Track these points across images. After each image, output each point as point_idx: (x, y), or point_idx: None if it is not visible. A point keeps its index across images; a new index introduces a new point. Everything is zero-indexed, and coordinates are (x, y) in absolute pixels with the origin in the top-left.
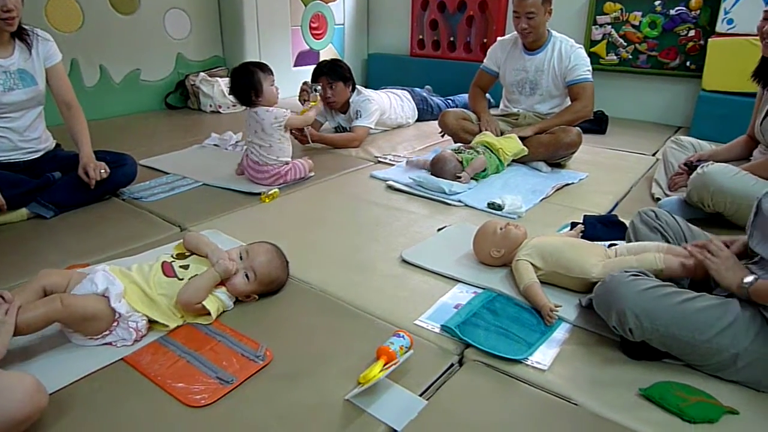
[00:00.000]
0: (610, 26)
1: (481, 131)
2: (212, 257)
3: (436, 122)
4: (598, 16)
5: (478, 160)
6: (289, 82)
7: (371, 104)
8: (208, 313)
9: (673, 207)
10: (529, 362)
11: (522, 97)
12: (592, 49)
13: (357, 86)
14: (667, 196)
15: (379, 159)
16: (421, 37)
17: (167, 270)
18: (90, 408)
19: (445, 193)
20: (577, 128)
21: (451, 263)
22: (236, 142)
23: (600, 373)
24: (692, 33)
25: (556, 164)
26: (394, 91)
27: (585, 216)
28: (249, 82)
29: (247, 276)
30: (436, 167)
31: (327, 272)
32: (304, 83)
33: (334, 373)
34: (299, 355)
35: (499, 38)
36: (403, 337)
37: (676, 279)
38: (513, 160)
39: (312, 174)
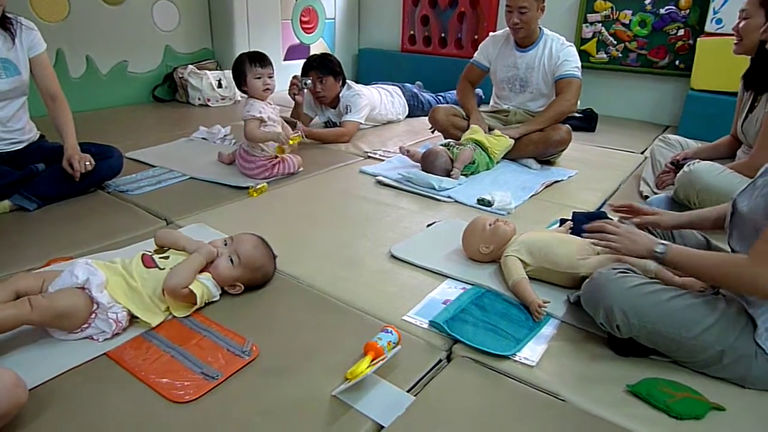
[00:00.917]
0: (600, 24)
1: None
2: (190, 247)
3: (427, 118)
4: (588, 14)
5: (464, 152)
6: (279, 76)
7: (361, 99)
8: (195, 303)
9: (660, 205)
10: (517, 358)
11: (512, 94)
12: (582, 47)
13: (347, 81)
14: (655, 194)
15: (369, 154)
16: (412, 32)
17: (147, 261)
18: (71, 404)
19: (434, 188)
20: (567, 126)
21: (440, 259)
22: (224, 135)
23: (588, 370)
24: (681, 32)
25: (546, 161)
26: (384, 86)
27: (574, 213)
28: (236, 69)
29: (231, 260)
30: (427, 162)
31: (315, 267)
32: (294, 77)
33: (321, 368)
34: (286, 351)
35: (491, 33)
36: (391, 332)
37: None
38: (502, 157)
39: (301, 169)
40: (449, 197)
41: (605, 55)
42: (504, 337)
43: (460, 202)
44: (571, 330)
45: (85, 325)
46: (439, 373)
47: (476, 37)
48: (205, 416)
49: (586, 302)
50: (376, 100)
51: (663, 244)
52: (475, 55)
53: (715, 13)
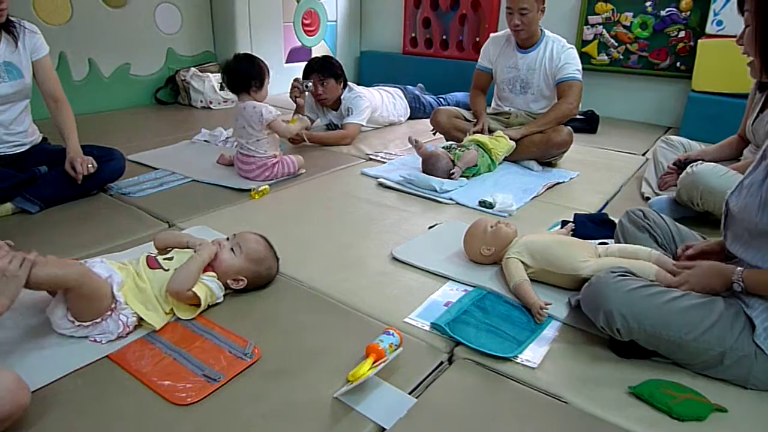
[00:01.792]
0: (601, 26)
1: (474, 128)
2: (193, 243)
3: (428, 120)
4: (589, 17)
5: (469, 153)
6: (280, 78)
7: (363, 101)
8: (198, 304)
9: (662, 206)
10: (518, 360)
11: (513, 96)
12: (583, 49)
13: (348, 83)
14: (657, 195)
15: (371, 156)
16: (413, 35)
17: (151, 263)
18: (74, 406)
19: (436, 191)
20: (569, 128)
21: (442, 261)
22: (227, 138)
23: (589, 371)
24: (682, 34)
25: (548, 163)
26: (386, 88)
27: (575, 214)
28: (255, 73)
29: (233, 250)
30: (428, 164)
31: (317, 269)
32: (296, 80)
33: (323, 370)
34: (288, 353)
35: (492, 35)
36: (392, 334)
37: None
38: (504, 159)
39: (302, 171)
40: (451, 199)
41: (606, 57)
42: (506, 339)
43: (462, 204)
44: (573, 332)
45: (99, 319)
46: (440, 375)
47: (478, 39)
48: (207, 418)
49: (586, 306)
50: (378, 101)
51: (737, 271)
52: (479, 60)
53: (715, 14)
